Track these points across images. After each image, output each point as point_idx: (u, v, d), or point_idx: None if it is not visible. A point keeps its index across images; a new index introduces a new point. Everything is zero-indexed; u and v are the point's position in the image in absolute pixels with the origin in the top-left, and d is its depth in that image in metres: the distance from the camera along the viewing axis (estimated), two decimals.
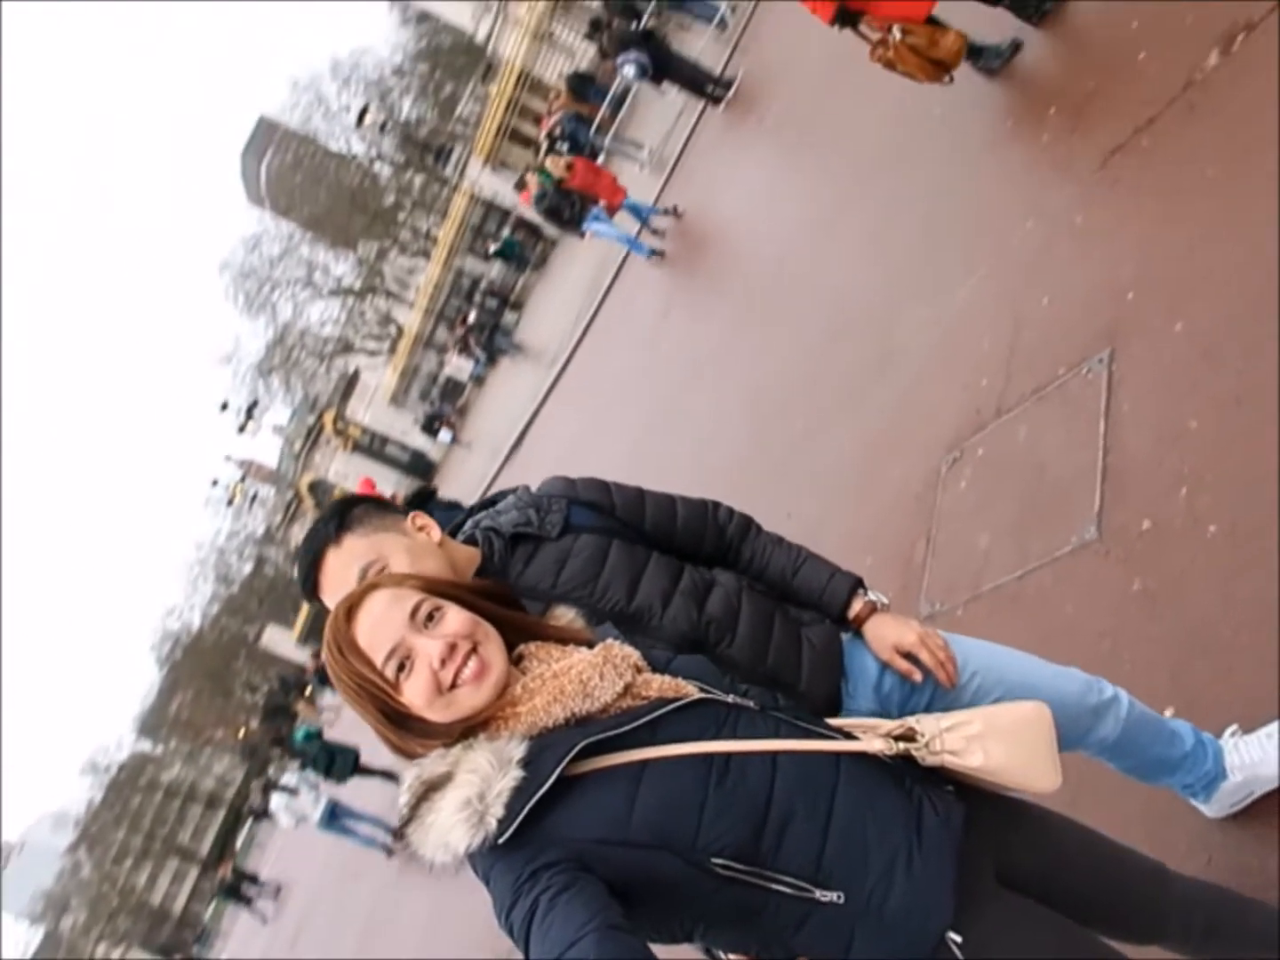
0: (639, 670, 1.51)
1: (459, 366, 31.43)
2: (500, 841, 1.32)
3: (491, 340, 27.11)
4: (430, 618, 1.44)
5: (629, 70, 11.80)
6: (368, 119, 32.55)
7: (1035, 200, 4.26)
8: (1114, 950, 1.63)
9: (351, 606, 1.46)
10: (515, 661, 1.53)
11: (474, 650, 1.43)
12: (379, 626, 1.43)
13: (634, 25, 12.85)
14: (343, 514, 1.95)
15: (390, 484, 29.27)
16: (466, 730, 1.43)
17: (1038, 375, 3.71)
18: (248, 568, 52.16)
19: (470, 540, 2.01)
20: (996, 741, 1.50)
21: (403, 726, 1.43)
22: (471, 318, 28.13)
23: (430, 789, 1.39)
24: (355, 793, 13.77)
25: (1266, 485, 2.59)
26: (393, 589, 1.48)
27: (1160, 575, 2.80)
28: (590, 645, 1.55)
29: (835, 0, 4.49)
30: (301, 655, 36.87)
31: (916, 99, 5.99)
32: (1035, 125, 4.47)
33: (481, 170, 29.54)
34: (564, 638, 1.59)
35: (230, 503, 46.68)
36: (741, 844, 1.37)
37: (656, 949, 1.30)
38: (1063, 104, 4.40)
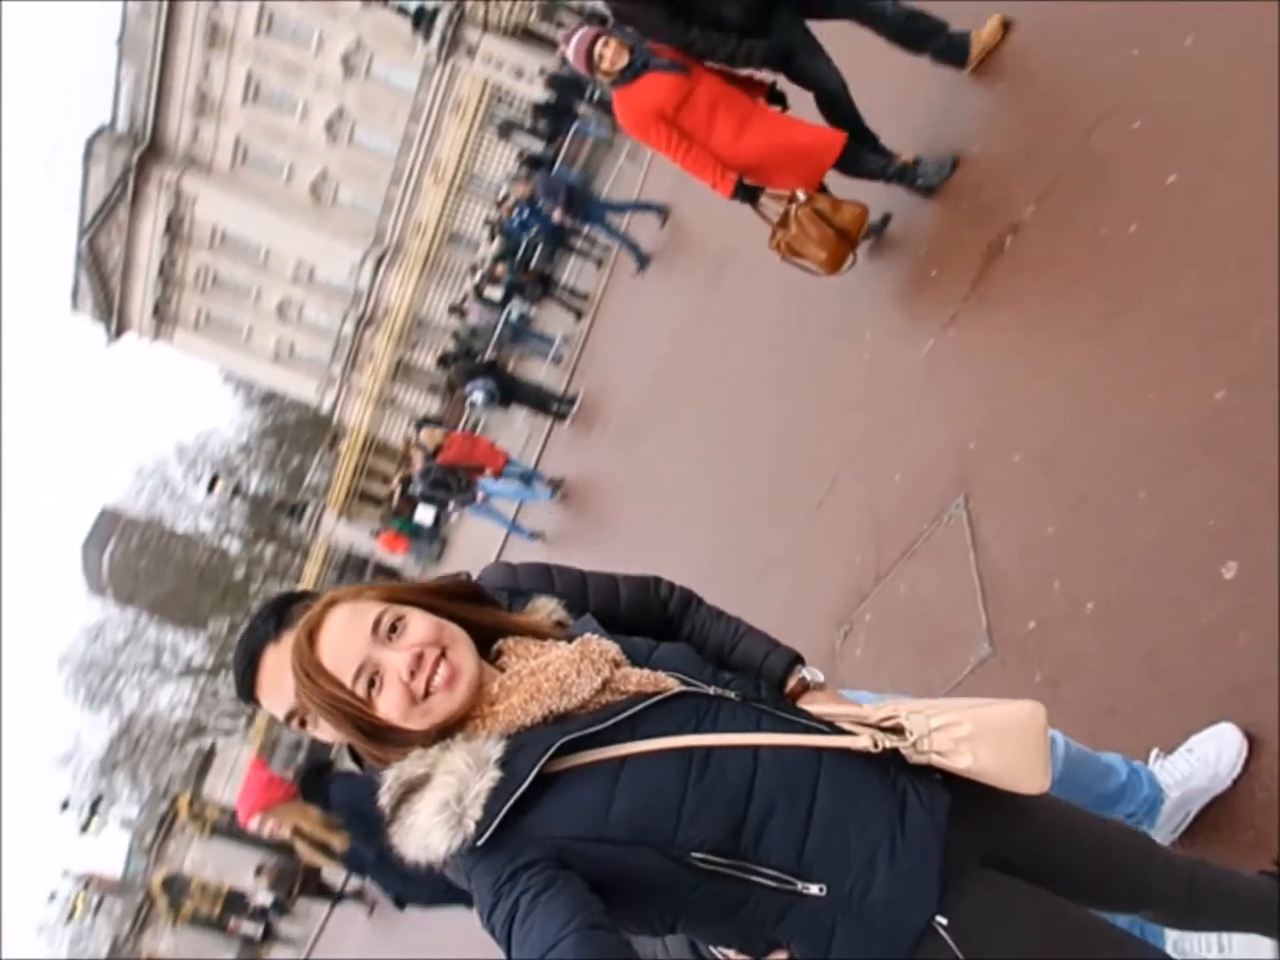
0: (617, 665, 1.49)
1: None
2: (479, 843, 1.30)
3: None
4: (394, 628, 1.42)
5: (478, 396, 12.50)
6: (218, 487, 32.96)
7: (868, 400, 4.77)
8: (1101, 919, 1.63)
9: (312, 629, 1.43)
10: (494, 658, 1.51)
11: (442, 655, 1.41)
12: (342, 646, 1.40)
13: (478, 359, 13.86)
14: (281, 611, 1.92)
15: (253, 864, 26.88)
16: (444, 730, 1.41)
17: (904, 538, 4.00)
18: None
19: None
20: (986, 744, 1.46)
21: (382, 740, 1.41)
22: None
23: (409, 790, 1.36)
24: None
25: (1125, 556, 2.87)
26: (351, 603, 1.45)
27: (1056, 661, 2.97)
28: (569, 639, 1.53)
29: (734, 174, 4.64)
30: None
31: (748, 359, 6.72)
32: (857, 344, 5.07)
33: (336, 522, 29.88)
34: (541, 632, 1.57)
35: (71, 917, 41.63)
36: (722, 838, 1.36)
37: None
38: (876, 324, 5.04)
